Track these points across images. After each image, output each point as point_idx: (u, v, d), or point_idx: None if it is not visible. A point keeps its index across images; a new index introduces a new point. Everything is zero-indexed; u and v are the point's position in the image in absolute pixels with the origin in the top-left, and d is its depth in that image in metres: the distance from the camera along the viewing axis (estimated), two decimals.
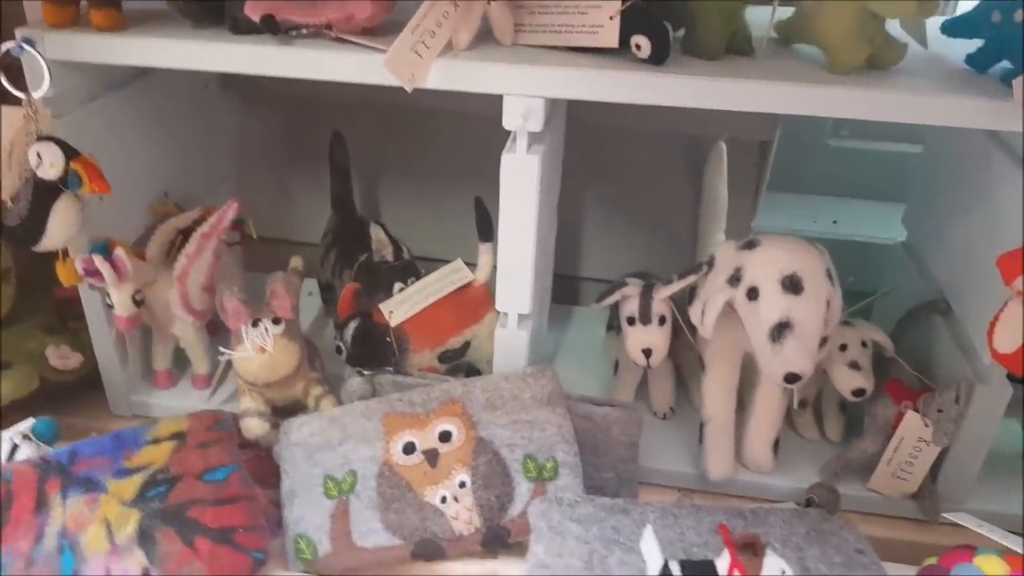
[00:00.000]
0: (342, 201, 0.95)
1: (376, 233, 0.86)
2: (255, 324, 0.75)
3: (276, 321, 0.75)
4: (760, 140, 0.94)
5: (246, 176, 1.06)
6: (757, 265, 0.68)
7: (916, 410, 0.72)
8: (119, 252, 0.74)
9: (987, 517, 0.76)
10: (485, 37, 0.68)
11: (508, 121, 0.65)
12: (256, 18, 0.65)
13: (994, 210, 0.71)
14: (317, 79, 0.66)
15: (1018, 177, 0.67)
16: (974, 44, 0.66)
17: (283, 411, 0.80)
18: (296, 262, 0.88)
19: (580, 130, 0.94)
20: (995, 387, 0.70)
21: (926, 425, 0.72)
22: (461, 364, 0.85)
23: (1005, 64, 0.64)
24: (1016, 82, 0.57)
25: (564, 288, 1.04)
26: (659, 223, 1.01)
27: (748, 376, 0.77)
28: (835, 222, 1.02)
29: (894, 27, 0.66)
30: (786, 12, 0.69)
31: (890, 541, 0.76)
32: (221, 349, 0.75)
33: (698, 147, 0.93)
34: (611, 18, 0.63)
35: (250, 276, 0.93)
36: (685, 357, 0.87)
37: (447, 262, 0.83)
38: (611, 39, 0.63)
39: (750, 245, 0.70)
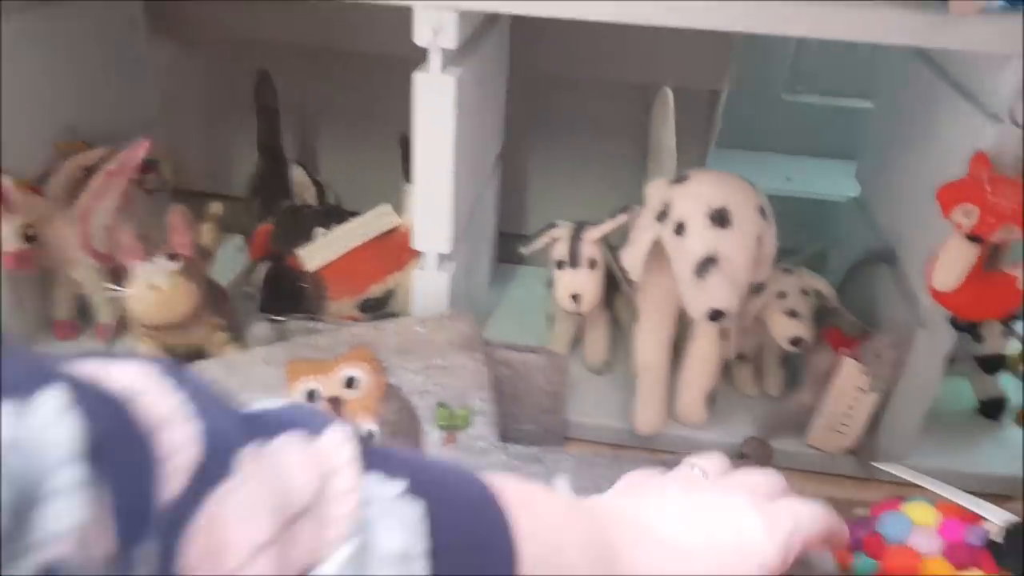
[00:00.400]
0: (269, 146, 0.90)
1: (297, 175, 0.82)
2: (149, 259, 0.70)
3: (173, 257, 0.70)
4: (709, 89, 0.90)
5: (177, 125, 1.01)
6: (685, 199, 0.64)
7: (854, 357, 0.68)
8: (4, 180, 0.69)
9: (930, 473, 0.73)
10: None
11: (418, 36, 0.60)
12: None
13: (939, 149, 0.67)
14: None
15: (962, 108, 0.63)
16: None
17: (184, 358, 0.76)
18: (215, 208, 0.84)
19: (526, 79, 0.90)
20: (935, 332, 0.66)
21: (863, 374, 0.67)
22: (384, 314, 0.80)
23: None
24: None
25: (511, 246, 0.99)
26: (609, 177, 0.97)
27: (685, 328, 0.73)
28: (789, 179, 0.99)
29: None
30: None
31: (827, 499, 0.71)
32: (108, 286, 0.70)
33: (647, 97, 0.88)
34: None
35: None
36: (623, 313, 0.83)
37: None
38: None
39: (680, 180, 0.66)
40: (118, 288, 0.69)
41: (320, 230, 0.79)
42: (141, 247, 0.70)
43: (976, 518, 0.50)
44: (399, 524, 0.27)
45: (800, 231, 0.95)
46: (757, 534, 0.39)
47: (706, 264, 0.62)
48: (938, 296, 0.62)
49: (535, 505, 0.34)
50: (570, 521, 0.36)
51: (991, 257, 0.61)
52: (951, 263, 0.61)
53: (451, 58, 0.63)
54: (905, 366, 0.67)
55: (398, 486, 0.29)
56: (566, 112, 0.94)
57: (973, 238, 0.59)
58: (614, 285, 0.79)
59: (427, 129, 0.64)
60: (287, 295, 0.77)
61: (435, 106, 0.63)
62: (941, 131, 0.67)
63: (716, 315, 0.62)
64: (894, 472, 0.62)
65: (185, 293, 0.70)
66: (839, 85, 0.98)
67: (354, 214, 0.80)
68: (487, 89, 0.77)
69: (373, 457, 0.30)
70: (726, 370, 0.78)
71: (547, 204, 1.00)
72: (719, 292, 0.61)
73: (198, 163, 1.03)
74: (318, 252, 0.77)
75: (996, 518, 0.49)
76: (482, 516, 0.31)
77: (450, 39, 0.60)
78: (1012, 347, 0.78)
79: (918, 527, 0.50)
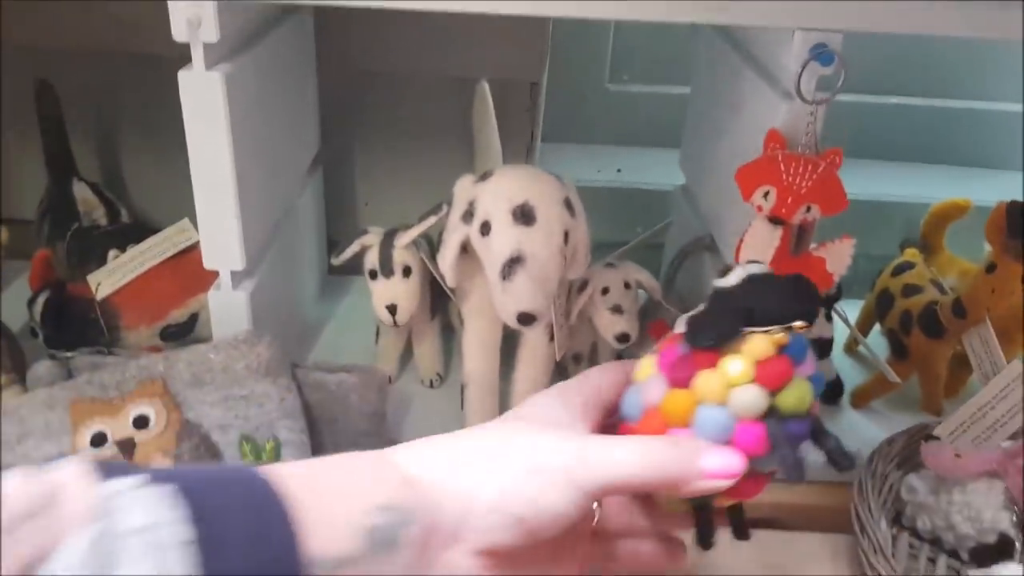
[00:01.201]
0: (57, 161, 0.82)
1: (81, 192, 0.74)
2: None
3: None
4: (530, 81, 0.87)
5: None
6: (488, 196, 0.61)
7: None
8: None
9: None
10: None
11: (176, 31, 0.54)
12: None
13: (743, 131, 0.67)
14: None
15: (760, 87, 0.62)
16: None
17: None
18: (3, 233, 0.75)
19: (342, 76, 0.85)
20: None
21: None
22: (189, 342, 0.73)
23: None
24: None
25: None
26: (437, 176, 0.92)
27: (515, 332, 0.70)
28: (619, 171, 0.97)
29: None
30: None
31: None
32: None
33: (467, 91, 0.85)
34: None
35: None
36: (457, 317, 0.79)
37: None
38: None
39: (484, 176, 0.63)
40: None
41: (113, 252, 0.72)
42: None
43: None
44: (143, 501, 0.27)
45: (633, 223, 0.94)
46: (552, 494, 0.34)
47: (511, 265, 0.58)
48: None
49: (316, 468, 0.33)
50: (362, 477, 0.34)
51: (798, 239, 0.60)
52: (756, 247, 0.59)
53: (220, 54, 0.57)
54: None
55: (144, 477, 0.28)
56: (389, 110, 0.90)
57: (775, 220, 0.58)
58: (440, 291, 0.75)
59: (198, 133, 0.58)
60: (74, 327, 0.69)
61: (204, 106, 0.57)
62: (745, 112, 0.67)
63: (525, 318, 0.58)
64: None
65: None
66: (661, 72, 0.97)
67: (153, 231, 0.73)
68: (283, 86, 0.71)
69: (115, 468, 0.29)
70: (562, 371, 0.75)
71: (378, 209, 0.95)
72: (525, 293, 0.58)
73: None
74: (109, 276, 0.69)
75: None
76: (245, 483, 0.30)
77: (210, 32, 0.54)
78: (840, 330, 0.78)
79: (644, 383, 0.39)
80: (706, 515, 0.41)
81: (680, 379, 0.36)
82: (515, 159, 0.88)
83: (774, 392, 0.35)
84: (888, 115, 1.00)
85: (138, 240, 0.73)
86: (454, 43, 0.84)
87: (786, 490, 0.72)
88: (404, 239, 0.68)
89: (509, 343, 0.70)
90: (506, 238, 0.59)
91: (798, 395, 0.36)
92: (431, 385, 0.77)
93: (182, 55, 0.55)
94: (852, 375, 0.82)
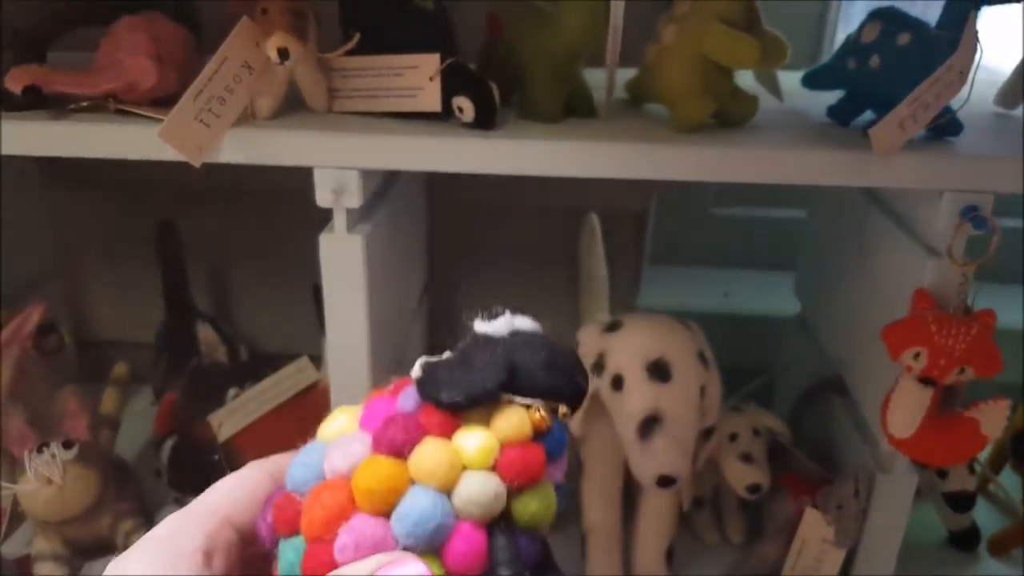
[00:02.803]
0: (175, 297, 0.84)
1: (204, 332, 0.75)
2: (41, 449, 0.62)
3: (68, 445, 0.63)
4: (636, 210, 0.87)
5: (74, 271, 0.94)
6: (620, 350, 0.60)
7: (815, 506, 0.63)
8: None
9: None
10: (298, 105, 0.60)
11: (320, 197, 0.56)
12: (17, 89, 0.56)
13: (878, 277, 0.65)
14: (95, 156, 0.56)
15: (899, 240, 0.61)
16: (834, 96, 0.61)
17: (87, 551, 0.67)
18: (120, 369, 0.77)
19: (449, 205, 0.86)
20: (898, 475, 0.62)
21: (828, 524, 0.62)
22: None
23: (869, 115, 0.58)
24: (873, 131, 0.51)
25: None
26: (542, 301, 0.92)
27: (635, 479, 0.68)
28: (726, 295, 0.96)
29: (746, 81, 0.60)
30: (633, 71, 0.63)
31: None
32: (2, 484, 0.62)
33: (573, 220, 0.85)
34: (430, 79, 0.55)
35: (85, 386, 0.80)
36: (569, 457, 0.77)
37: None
38: (432, 102, 0.56)
39: (613, 327, 0.62)
40: (10, 485, 0.61)
41: (233, 391, 0.73)
42: (32, 434, 0.62)
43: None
44: None
45: (742, 351, 0.92)
46: None
47: (649, 424, 0.57)
48: (896, 443, 0.58)
49: None
50: None
51: (946, 399, 0.58)
52: (905, 409, 0.57)
53: (358, 216, 0.58)
54: (868, 513, 0.63)
55: None
56: (494, 238, 0.91)
57: (926, 381, 0.56)
58: None
59: (337, 290, 0.58)
60: (197, 470, 0.69)
61: (344, 267, 0.57)
62: (878, 258, 0.65)
63: (666, 481, 0.56)
64: None
65: (83, 484, 0.62)
66: (768, 195, 0.96)
67: (271, 365, 0.74)
68: (403, 231, 0.72)
69: None
70: (683, 517, 0.72)
71: None
72: (667, 456, 0.56)
73: (102, 311, 0.96)
74: (230, 417, 0.70)
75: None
76: None
77: (354, 199, 0.56)
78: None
79: (334, 443, 0.26)
80: None
81: (394, 442, 0.25)
82: (622, 286, 0.87)
83: (514, 490, 0.25)
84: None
85: (257, 378, 0.74)
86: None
87: None
88: None
89: (628, 488, 0.68)
90: (642, 396, 0.58)
91: (543, 503, 0.25)
92: None
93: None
94: (988, 518, 0.77)
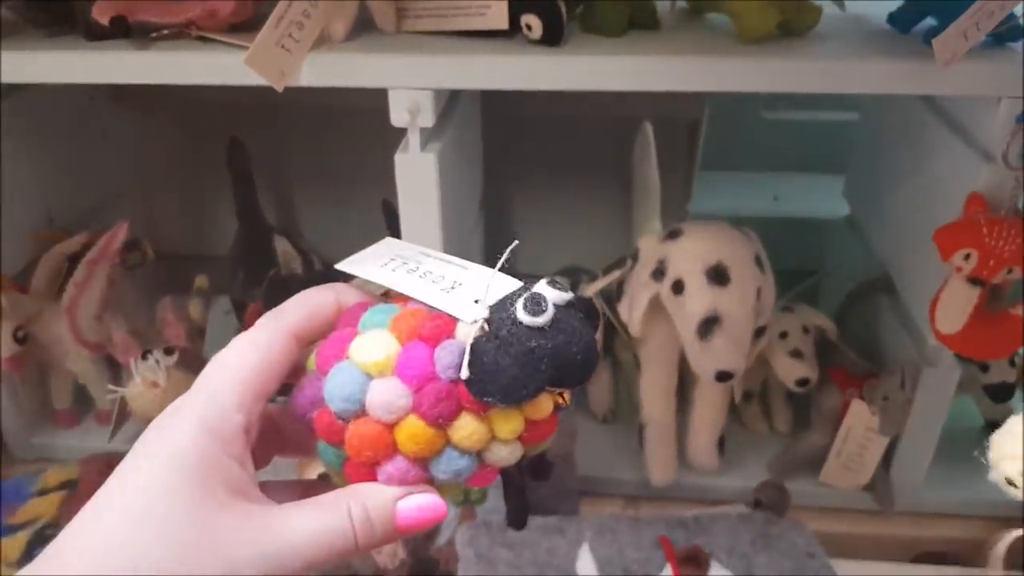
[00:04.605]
0: (247, 212, 0.89)
1: (282, 246, 0.80)
2: (145, 356, 0.69)
3: (168, 351, 0.69)
4: (690, 118, 0.89)
5: (147, 191, 0.99)
6: (680, 257, 0.63)
7: (862, 398, 0.68)
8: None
9: (945, 504, 0.73)
10: (368, 26, 0.62)
11: (396, 118, 0.59)
12: (105, 21, 0.59)
13: (931, 180, 0.66)
14: (180, 83, 0.59)
15: (954, 145, 0.62)
16: (896, 3, 0.61)
17: None
18: (201, 281, 0.82)
19: (500, 119, 0.88)
20: (943, 369, 0.65)
21: (873, 414, 0.67)
22: None
23: (929, 21, 0.59)
24: (936, 42, 0.52)
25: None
26: (593, 212, 0.95)
27: (689, 373, 0.72)
28: (776, 199, 0.98)
29: None
30: None
31: (845, 536, 0.72)
32: (110, 387, 0.68)
33: (625, 129, 0.87)
34: None
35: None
36: (624, 356, 0.82)
37: None
38: (500, 20, 0.57)
39: (673, 235, 0.65)
40: (118, 388, 0.68)
41: None
42: (135, 344, 0.68)
43: (448, 324, 0.29)
44: None
45: (792, 252, 0.95)
46: None
47: (709, 324, 0.61)
48: (943, 338, 0.61)
49: None
50: None
51: (992, 296, 0.61)
52: (954, 306, 0.60)
53: (430, 134, 0.61)
54: (913, 404, 0.67)
55: None
56: (547, 149, 0.93)
57: (974, 281, 0.59)
58: (611, 330, 0.78)
59: (413, 208, 0.62)
60: None
61: (419, 184, 0.61)
62: (931, 162, 0.66)
63: (724, 376, 0.61)
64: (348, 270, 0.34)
65: (185, 385, 0.68)
66: (819, 98, 0.96)
67: (344, 275, 0.79)
68: (465, 148, 0.75)
69: None
70: (733, 409, 0.78)
71: (535, 242, 0.98)
72: (725, 353, 0.60)
73: (178, 227, 1.01)
74: None
75: (467, 312, 0.28)
76: None
77: (427, 118, 0.59)
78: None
79: (372, 378, 0.28)
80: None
81: (435, 413, 0.27)
82: (673, 194, 0.90)
83: (530, 447, 0.30)
84: None
85: None
86: None
87: (958, 525, 0.73)
88: (591, 290, 0.71)
89: (682, 383, 0.73)
90: (702, 298, 0.61)
91: (544, 446, 0.30)
92: (604, 420, 0.80)
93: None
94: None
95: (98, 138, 0.90)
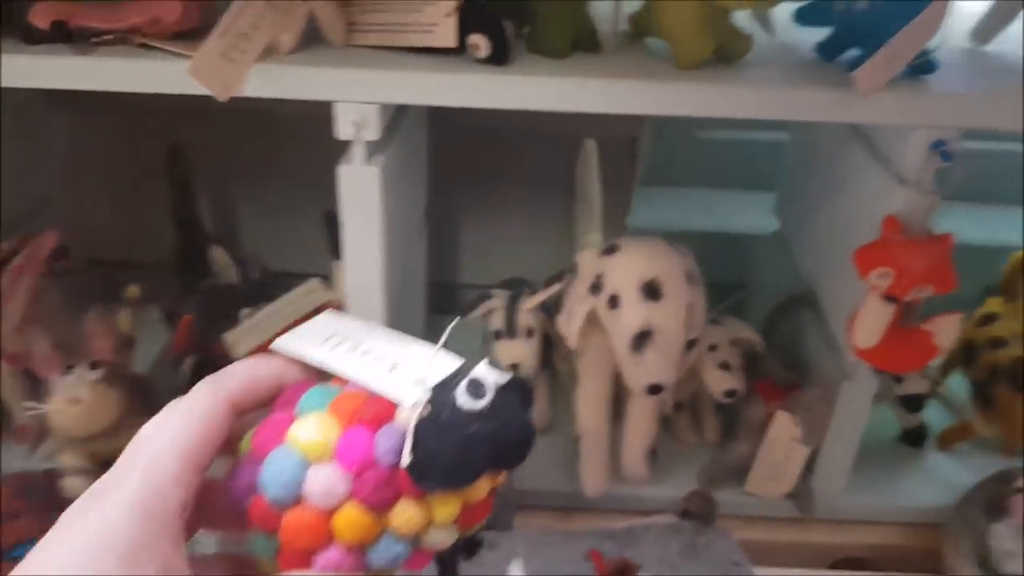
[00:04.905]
0: (185, 219, 0.87)
1: (218, 255, 0.79)
2: (69, 371, 0.67)
3: (94, 365, 0.67)
4: (630, 136, 0.92)
5: (80, 196, 0.96)
6: (616, 272, 0.65)
7: (786, 409, 0.71)
8: None
9: (863, 511, 0.77)
10: (316, 39, 0.62)
11: (341, 131, 0.59)
12: (44, 25, 0.58)
13: (852, 202, 0.70)
14: (121, 90, 0.59)
15: (873, 169, 0.66)
16: (823, 32, 0.64)
17: (111, 464, 0.73)
18: (132, 291, 0.80)
19: (447, 131, 0.89)
20: (860, 381, 0.69)
21: (796, 425, 0.70)
22: None
23: (854, 52, 0.62)
24: (857, 73, 0.55)
25: (442, 297, 0.99)
26: (537, 224, 0.97)
27: (624, 385, 0.74)
28: (710, 215, 1.01)
29: (740, 17, 0.64)
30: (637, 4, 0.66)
31: (769, 543, 0.75)
32: (27, 404, 0.66)
33: (569, 145, 0.89)
34: (447, 16, 0.58)
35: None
36: (562, 367, 0.84)
37: (312, 276, 0.77)
38: (447, 38, 0.59)
39: (610, 251, 0.67)
40: (38, 405, 0.65)
41: (246, 311, 0.77)
42: (59, 358, 0.67)
43: (389, 407, 0.28)
44: None
45: (724, 266, 0.98)
46: None
47: (642, 338, 0.63)
48: (861, 353, 0.65)
49: None
50: None
51: (905, 313, 0.65)
52: (870, 322, 0.63)
53: (374, 147, 0.62)
54: (833, 415, 0.70)
55: None
56: (493, 162, 0.94)
57: (889, 298, 0.62)
58: (552, 344, 0.79)
59: (355, 220, 0.63)
60: None
61: (362, 197, 0.62)
62: (852, 184, 0.70)
63: (655, 389, 0.63)
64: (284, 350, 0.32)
65: (109, 401, 0.67)
66: (752, 119, 1.00)
67: (282, 285, 0.78)
68: (411, 160, 0.76)
69: None
70: (665, 420, 0.80)
71: (479, 253, 1.00)
72: (656, 366, 0.63)
73: (112, 234, 0.99)
74: (245, 336, 0.74)
75: (407, 395, 0.28)
76: None
77: (373, 131, 0.59)
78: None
79: (311, 464, 0.28)
80: None
81: (375, 499, 0.27)
82: (614, 208, 0.92)
83: (466, 530, 0.30)
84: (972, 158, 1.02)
85: (268, 298, 0.78)
86: None
87: (876, 531, 0.77)
88: (530, 304, 0.72)
89: (616, 395, 0.75)
90: (636, 313, 0.64)
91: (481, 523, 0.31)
92: (541, 433, 0.82)
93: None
94: (936, 417, 0.86)
95: (30, 140, 0.87)
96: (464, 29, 0.58)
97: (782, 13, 0.67)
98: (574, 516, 0.75)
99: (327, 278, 0.78)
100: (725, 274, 0.98)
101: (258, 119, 0.89)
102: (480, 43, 0.58)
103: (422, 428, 0.27)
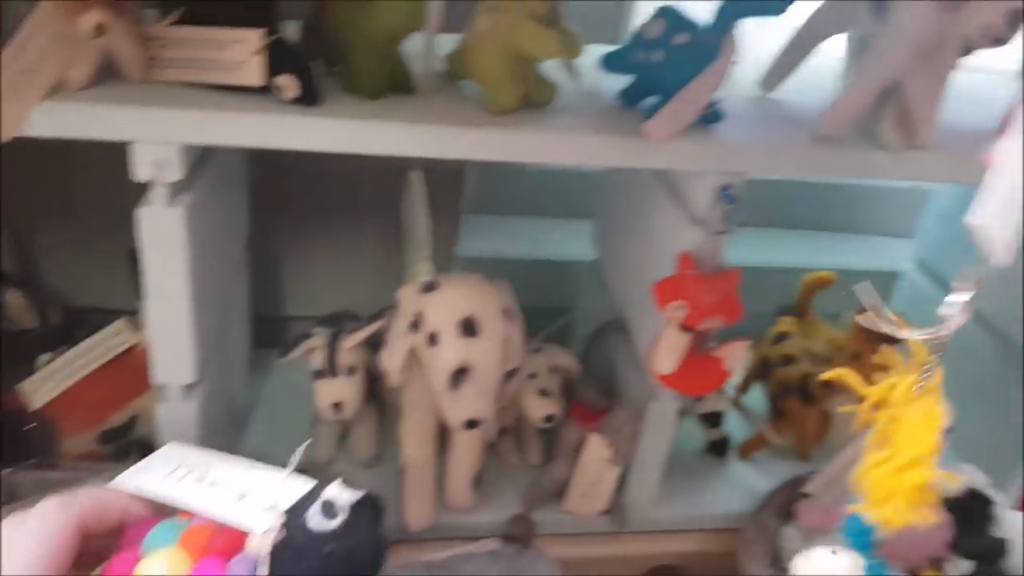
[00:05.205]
0: None
1: (11, 299, 0.73)
2: None
3: None
4: (455, 168, 0.93)
5: None
6: (435, 310, 0.66)
7: (598, 432, 0.75)
8: None
9: (673, 520, 0.82)
10: (112, 74, 0.59)
11: (139, 171, 0.57)
12: None
13: (654, 237, 0.75)
14: None
15: (671, 207, 0.71)
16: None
17: None
18: None
19: (269, 163, 0.87)
20: (664, 402, 0.74)
21: (607, 447, 0.74)
22: (129, 443, 0.74)
23: (653, 99, 0.67)
24: (646, 126, 0.59)
25: (270, 330, 0.96)
26: (366, 255, 0.97)
27: None
28: (535, 242, 1.05)
29: (548, 64, 0.67)
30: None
31: (587, 559, 0.79)
32: None
33: (396, 176, 0.89)
34: (254, 54, 0.57)
35: None
36: (389, 400, 0.84)
37: (124, 313, 0.73)
38: (254, 77, 0.57)
39: (429, 288, 0.68)
40: None
41: (45, 357, 0.72)
42: None
43: (239, 536, 0.29)
44: None
45: (548, 292, 1.02)
46: None
47: (459, 375, 0.65)
48: (661, 378, 0.70)
49: None
50: None
51: (700, 341, 0.70)
52: (668, 351, 0.68)
53: (180, 187, 0.59)
54: (641, 435, 0.75)
55: None
56: (319, 193, 0.93)
57: (685, 328, 0.68)
58: (377, 378, 0.79)
59: (157, 264, 0.60)
60: (11, 442, 0.68)
61: (164, 240, 0.59)
62: (654, 220, 0.75)
63: (472, 424, 0.65)
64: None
65: None
66: None
67: (86, 327, 0.73)
68: (224, 196, 0.73)
69: None
70: (490, 444, 0.82)
71: (308, 286, 0.98)
72: (473, 402, 0.64)
73: None
74: (44, 384, 0.69)
75: (258, 522, 0.29)
76: None
77: (174, 172, 0.57)
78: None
79: None
80: None
81: None
82: (443, 239, 0.94)
83: None
84: (765, 187, 1.12)
85: (71, 341, 0.73)
86: None
87: (686, 539, 0.83)
88: (351, 341, 0.72)
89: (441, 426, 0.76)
90: (453, 350, 0.65)
91: None
92: (368, 466, 0.82)
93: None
94: (739, 428, 0.93)
95: None
96: (272, 68, 0.57)
97: (597, 54, 0.70)
98: (399, 548, 0.75)
99: (135, 314, 0.74)
100: (551, 299, 1.03)
101: (60, 148, 0.83)
102: (288, 84, 0.57)
103: (277, 553, 0.28)
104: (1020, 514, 0.75)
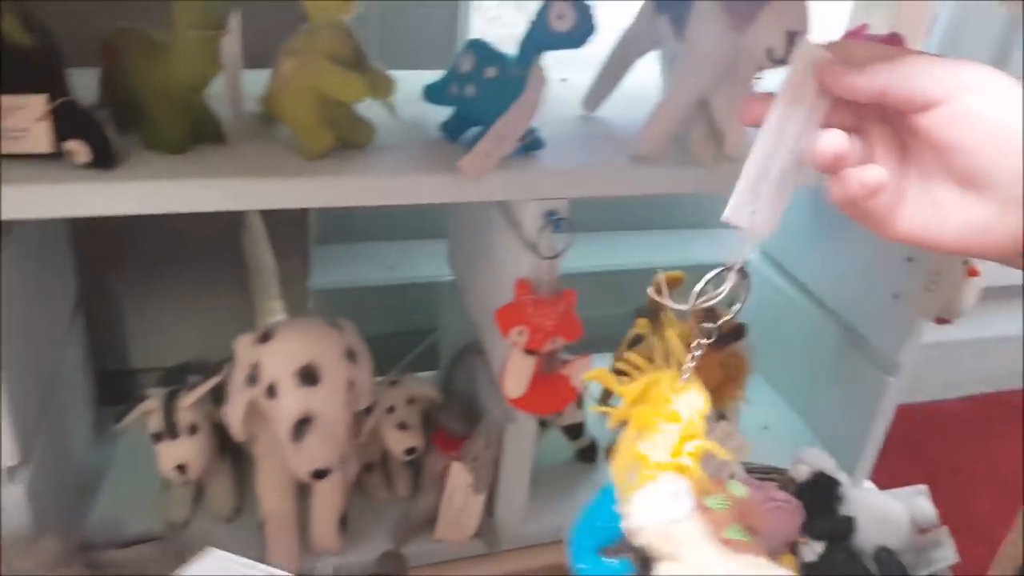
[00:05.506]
0: None
1: None
2: None
3: None
4: None
5: None
6: (271, 360, 0.65)
7: (459, 459, 0.75)
8: None
9: (545, 532, 0.83)
10: None
11: None
12: None
13: (496, 263, 0.76)
14: None
15: (508, 234, 0.71)
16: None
17: None
18: None
19: (88, 222, 0.83)
20: (522, 423, 0.75)
21: (469, 472, 0.75)
22: None
23: (476, 129, 0.67)
24: (460, 164, 0.60)
25: (117, 385, 0.92)
26: (215, 300, 0.94)
27: None
28: (391, 267, 1.04)
29: (366, 103, 0.66)
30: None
31: None
32: None
33: (235, 217, 0.87)
34: (38, 120, 0.54)
35: None
36: (245, 451, 0.82)
37: None
38: (41, 144, 0.54)
39: (265, 338, 0.66)
40: None
41: None
42: None
43: None
44: None
45: (410, 315, 1.02)
46: None
47: (302, 425, 0.63)
48: (513, 402, 0.71)
49: None
50: None
51: (547, 361, 0.71)
52: (516, 374, 0.69)
53: None
54: (501, 457, 0.76)
55: None
56: (156, 241, 0.89)
57: (529, 352, 0.68)
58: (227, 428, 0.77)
59: None
60: None
61: None
62: (494, 247, 0.76)
63: (319, 474, 0.64)
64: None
65: None
66: None
67: None
68: (39, 259, 0.69)
69: None
70: (357, 479, 0.81)
71: (154, 337, 0.94)
72: (318, 452, 0.63)
73: None
74: None
75: None
76: None
77: None
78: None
79: None
80: None
81: None
82: (293, 274, 0.92)
83: None
84: None
85: None
86: None
87: (558, 551, 0.85)
88: (188, 400, 0.70)
89: None
90: (293, 401, 0.64)
91: None
92: (228, 520, 0.79)
93: None
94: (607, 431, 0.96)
95: None
96: (60, 134, 0.54)
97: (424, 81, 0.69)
98: None
99: None
100: (413, 323, 1.02)
101: None
102: (78, 149, 0.54)
103: None
104: (866, 490, 0.80)
